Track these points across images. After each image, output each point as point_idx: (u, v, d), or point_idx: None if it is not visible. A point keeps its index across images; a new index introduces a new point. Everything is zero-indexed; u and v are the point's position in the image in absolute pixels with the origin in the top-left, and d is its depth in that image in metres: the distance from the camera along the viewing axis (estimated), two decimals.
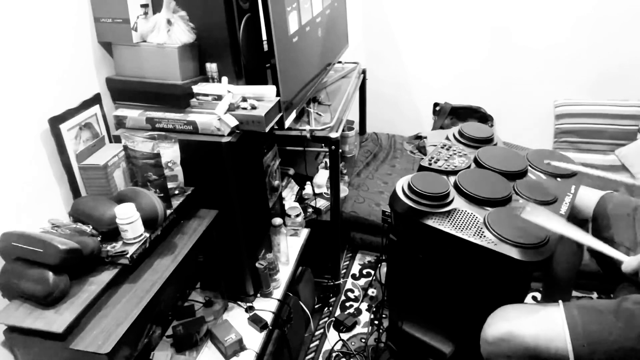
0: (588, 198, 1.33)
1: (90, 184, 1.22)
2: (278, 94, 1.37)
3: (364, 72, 2.60)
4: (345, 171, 2.41)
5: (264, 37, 1.46)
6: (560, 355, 1.00)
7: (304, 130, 1.74)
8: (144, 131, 1.26)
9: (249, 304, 1.51)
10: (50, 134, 1.14)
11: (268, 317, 1.47)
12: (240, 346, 1.36)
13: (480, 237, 1.11)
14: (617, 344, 0.97)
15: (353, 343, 1.82)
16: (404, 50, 2.79)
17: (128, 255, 1.05)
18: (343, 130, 2.11)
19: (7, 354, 1.06)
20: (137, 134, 1.20)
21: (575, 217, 1.33)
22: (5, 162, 1.05)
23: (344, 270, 2.19)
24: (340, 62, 2.44)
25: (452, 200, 1.22)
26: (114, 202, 1.10)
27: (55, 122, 1.14)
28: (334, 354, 1.77)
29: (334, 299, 2.04)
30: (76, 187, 1.21)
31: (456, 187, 1.27)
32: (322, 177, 2.17)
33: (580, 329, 1.00)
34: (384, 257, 1.75)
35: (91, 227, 1.07)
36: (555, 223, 1.07)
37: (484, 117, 2.74)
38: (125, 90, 1.33)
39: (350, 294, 2.07)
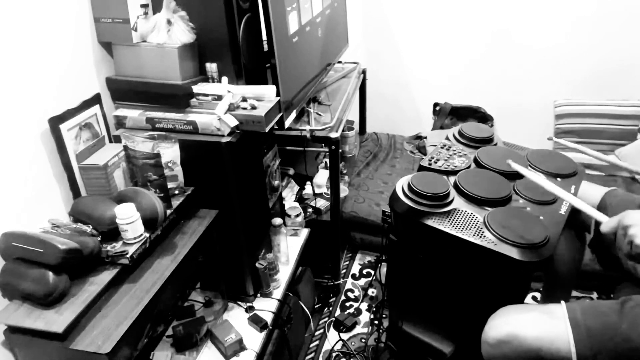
0: (591, 195, 1.33)
1: (90, 184, 1.22)
2: (278, 94, 1.37)
3: (364, 72, 2.60)
4: (345, 171, 2.41)
5: (264, 37, 1.46)
6: (563, 357, 0.99)
7: (304, 130, 1.74)
8: (144, 131, 1.26)
9: (249, 304, 1.51)
10: (50, 134, 1.14)
11: (268, 317, 1.47)
12: (240, 346, 1.36)
13: (480, 237, 1.11)
14: (620, 346, 0.96)
15: (353, 343, 1.82)
16: (404, 50, 2.79)
17: (128, 255, 1.05)
18: (343, 130, 2.11)
19: (7, 354, 1.06)
20: (137, 134, 1.21)
21: (576, 215, 1.33)
22: (6, 162, 1.05)
23: (344, 270, 2.19)
24: (340, 62, 2.43)
25: (452, 200, 1.22)
26: (114, 202, 1.10)
27: (55, 122, 1.14)
28: (334, 354, 1.77)
29: (334, 299, 2.04)
30: (76, 187, 1.21)
31: (456, 187, 1.26)
32: (322, 177, 2.17)
33: (584, 330, 0.99)
34: (384, 257, 1.75)
35: (91, 227, 1.07)
36: (539, 177, 1.14)
37: (484, 117, 2.74)
38: (125, 90, 1.33)
39: (350, 294, 2.07)
